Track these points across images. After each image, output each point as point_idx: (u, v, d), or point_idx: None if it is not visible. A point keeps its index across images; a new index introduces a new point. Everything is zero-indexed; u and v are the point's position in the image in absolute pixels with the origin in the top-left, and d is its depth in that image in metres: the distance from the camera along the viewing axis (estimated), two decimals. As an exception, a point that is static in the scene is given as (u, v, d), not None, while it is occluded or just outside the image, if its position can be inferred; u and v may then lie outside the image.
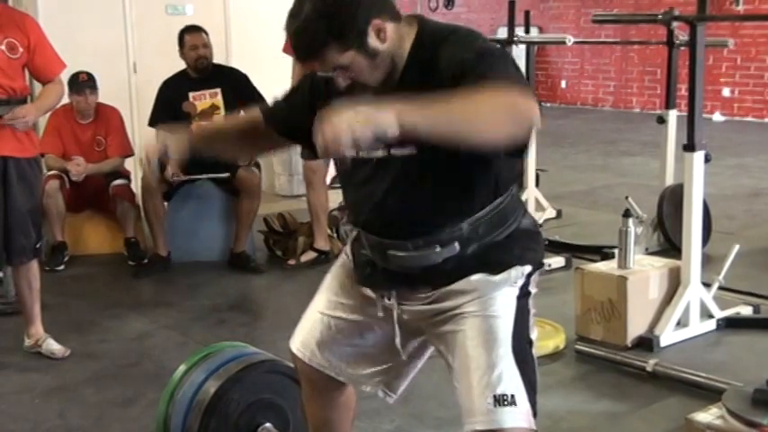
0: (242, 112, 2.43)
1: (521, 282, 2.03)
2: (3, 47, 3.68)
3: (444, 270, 2.02)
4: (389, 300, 2.12)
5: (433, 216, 2.00)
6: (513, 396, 1.91)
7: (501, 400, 1.90)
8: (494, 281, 2.00)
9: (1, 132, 3.71)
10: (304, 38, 1.90)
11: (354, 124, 1.62)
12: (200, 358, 2.71)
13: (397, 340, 2.15)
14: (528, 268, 2.04)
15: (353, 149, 1.65)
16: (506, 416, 1.89)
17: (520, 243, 2.05)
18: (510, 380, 1.92)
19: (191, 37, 5.45)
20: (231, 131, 2.39)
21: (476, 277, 2.01)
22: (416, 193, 1.98)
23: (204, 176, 5.40)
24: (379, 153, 1.98)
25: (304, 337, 2.26)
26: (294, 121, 2.13)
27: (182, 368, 2.70)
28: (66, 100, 5.04)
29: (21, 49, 3.72)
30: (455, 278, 2.03)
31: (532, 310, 2.06)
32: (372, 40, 1.89)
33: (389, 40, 1.91)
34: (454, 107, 1.69)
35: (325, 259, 5.24)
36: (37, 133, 4.03)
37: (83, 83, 5.43)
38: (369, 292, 2.18)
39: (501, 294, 2.00)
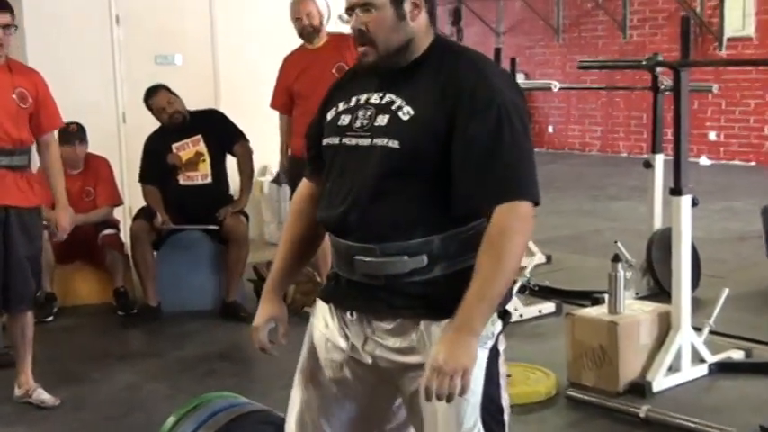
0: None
1: (490, 343, 1.99)
2: (14, 96, 3.72)
3: (410, 293, 1.98)
4: (352, 316, 2.07)
5: (406, 220, 1.97)
6: None
7: None
8: None
9: (4, 182, 3.74)
10: None
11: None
12: (189, 410, 2.69)
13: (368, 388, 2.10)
14: (498, 326, 2.01)
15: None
16: None
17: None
18: None
19: (154, 101, 5.48)
20: (296, 248, 2.29)
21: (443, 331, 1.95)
22: (393, 190, 1.96)
23: (193, 227, 5.40)
24: (364, 141, 1.99)
25: (292, 426, 2.20)
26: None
27: (171, 420, 2.67)
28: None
29: (30, 100, 3.78)
30: (420, 306, 1.98)
31: (503, 371, 2.03)
32: (407, 5, 1.98)
33: (417, 21, 2.00)
34: (490, 288, 1.89)
35: None
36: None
37: (72, 134, 5.44)
38: (337, 337, 2.11)
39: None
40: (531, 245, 6.33)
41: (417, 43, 2.02)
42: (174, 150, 5.50)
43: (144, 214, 5.49)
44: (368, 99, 2.03)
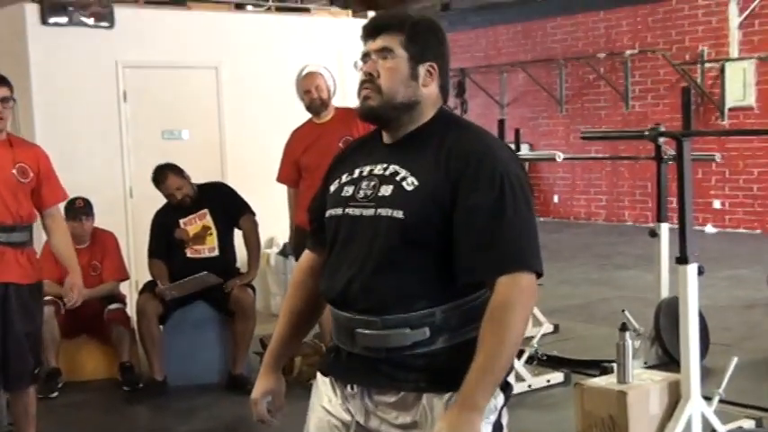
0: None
1: (493, 417, 1.97)
2: (14, 171, 3.75)
3: (412, 365, 1.97)
4: (353, 390, 2.05)
5: (408, 292, 1.96)
6: None
7: None
8: None
9: (3, 258, 3.74)
10: (392, 15, 2.09)
11: None
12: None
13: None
14: (500, 399, 2.00)
15: None
16: None
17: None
18: None
19: (163, 186, 5.54)
20: (295, 319, 2.29)
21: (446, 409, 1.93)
22: (397, 261, 1.96)
23: (193, 278, 5.38)
24: (368, 212, 1.99)
25: None
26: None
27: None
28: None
29: (31, 174, 3.81)
30: (422, 380, 1.97)
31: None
32: (422, 69, 2.02)
33: (428, 89, 2.04)
34: (492, 364, 1.88)
35: None
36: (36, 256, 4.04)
37: (79, 209, 5.49)
38: (340, 411, 2.09)
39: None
40: (539, 314, 6.31)
41: (423, 110, 2.04)
42: (182, 225, 5.54)
43: (150, 288, 5.50)
44: (371, 170, 2.04)
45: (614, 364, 4.16)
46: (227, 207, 5.62)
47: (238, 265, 5.73)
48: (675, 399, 3.99)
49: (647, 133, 5.05)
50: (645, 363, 5.08)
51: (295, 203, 5.37)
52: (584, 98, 13.89)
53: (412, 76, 2.01)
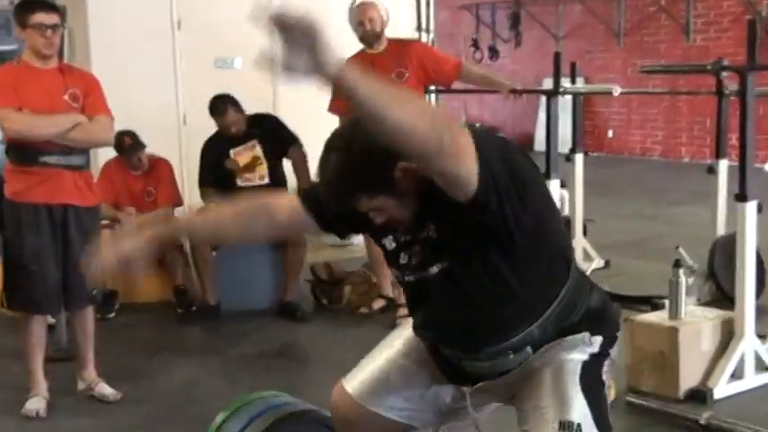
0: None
1: (590, 349, 2.02)
2: (66, 97, 3.79)
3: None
4: (466, 387, 2.16)
5: (495, 329, 2.00)
6: (579, 425, 1.91)
7: (566, 426, 1.91)
8: (563, 342, 2.01)
9: (62, 181, 3.80)
10: (332, 192, 1.92)
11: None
12: (235, 409, 2.70)
13: (472, 415, 2.19)
14: (598, 338, 2.03)
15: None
16: None
17: (589, 323, 2.04)
18: (577, 412, 1.93)
19: (220, 120, 5.55)
20: (234, 218, 2.27)
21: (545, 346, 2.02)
22: (472, 308, 1.98)
23: None
24: (416, 276, 2.00)
25: (364, 379, 2.25)
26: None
27: (219, 418, 2.69)
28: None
29: (81, 100, 3.83)
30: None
31: (605, 369, 2.05)
32: (400, 183, 1.84)
33: (416, 179, 1.83)
34: (391, 92, 1.64)
35: (392, 306, 5.22)
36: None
37: (129, 147, 5.53)
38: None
39: (571, 352, 2.01)
40: (590, 249, 6.28)
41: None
42: (232, 155, 5.59)
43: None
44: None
45: (666, 301, 4.13)
46: (277, 139, 5.65)
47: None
48: (728, 336, 3.96)
49: (709, 67, 4.93)
50: (698, 300, 5.04)
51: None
52: (643, 31, 13.55)
53: (401, 194, 1.89)
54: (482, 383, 2.12)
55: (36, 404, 3.85)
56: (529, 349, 2.00)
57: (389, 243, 2.05)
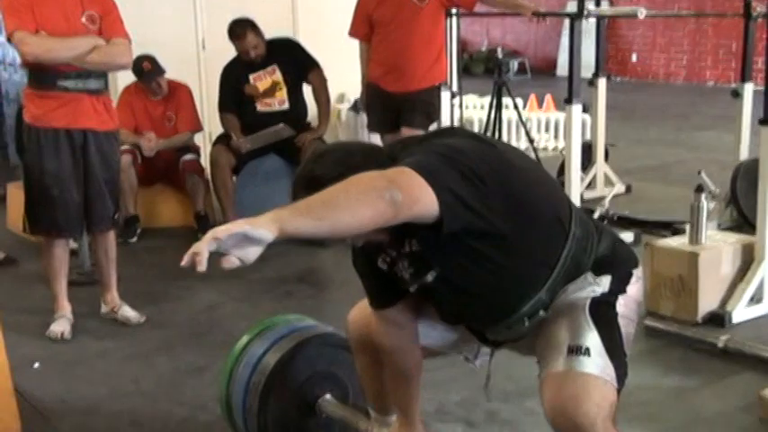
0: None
1: (599, 288, 2.04)
2: (83, 19, 3.76)
3: None
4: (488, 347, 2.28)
5: (504, 308, 2.05)
6: (588, 348, 1.94)
7: (575, 350, 1.94)
8: (569, 287, 2.04)
9: (81, 105, 3.80)
10: None
11: (217, 232, 1.64)
12: (259, 332, 2.74)
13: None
14: (606, 278, 2.05)
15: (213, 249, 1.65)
16: (576, 362, 1.92)
17: (597, 269, 2.06)
18: (588, 339, 1.95)
19: (239, 43, 5.48)
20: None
21: None
22: (476, 299, 2.05)
23: (266, 132, 5.46)
24: (416, 286, 2.06)
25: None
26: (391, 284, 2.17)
27: (243, 340, 2.73)
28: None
29: (99, 22, 3.80)
30: None
31: (622, 303, 2.06)
32: None
33: None
34: (328, 202, 1.69)
35: None
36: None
37: (149, 73, 5.51)
38: None
39: (579, 293, 2.03)
40: (611, 174, 6.24)
41: None
42: (252, 80, 5.55)
43: (223, 140, 5.58)
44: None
45: (687, 226, 4.12)
46: (296, 63, 5.60)
47: (309, 119, 5.75)
48: (748, 261, 3.96)
49: (737, -13, 4.82)
50: (719, 225, 5.01)
51: (367, 58, 5.30)
52: (669, -49, 13.24)
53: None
54: (504, 345, 2.23)
55: (61, 326, 3.92)
56: (542, 312, 2.04)
57: (382, 264, 2.12)
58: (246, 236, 1.63)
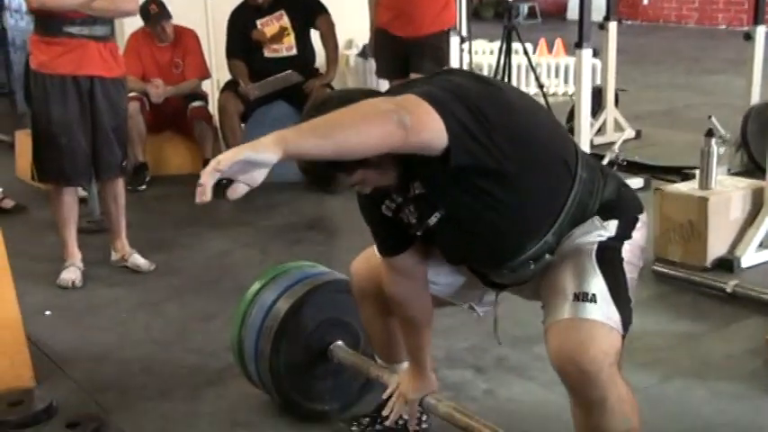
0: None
1: (606, 232, 2.03)
2: None
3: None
4: (493, 292, 2.28)
5: (509, 250, 2.04)
6: (594, 295, 1.93)
7: (581, 297, 1.93)
8: (575, 231, 2.03)
9: (87, 52, 3.78)
10: (312, 178, 2.00)
11: (220, 160, 1.58)
12: (271, 278, 2.75)
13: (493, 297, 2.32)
14: (613, 222, 2.04)
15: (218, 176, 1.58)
16: (582, 308, 1.92)
17: (603, 213, 2.04)
18: (593, 285, 1.95)
19: None
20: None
21: None
22: (480, 239, 2.03)
23: (275, 78, 5.44)
24: (422, 231, 2.06)
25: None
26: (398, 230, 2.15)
27: (255, 286, 2.75)
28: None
29: None
30: None
31: (628, 249, 2.05)
32: (374, 156, 1.79)
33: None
34: (333, 122, 1.66)
35: None
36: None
37: (155, 15, 5.46)
38: None
39: (585, 237, 2.02)
40: (621, 119, 6.20)
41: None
42: (259, 26, 5.51)
43: (231, 87, 5.55)
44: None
45: (696, 171, 4.10)
46: (304, 8, 5.56)
47: (317, 66, 5.71)
48: (758, 206, 3.95)
49: (750, -73, 4.73)
50: (729, 170, 4.99)
51: (375, 3, 5.25)
52: None
53: (377, 164, 1.91)
54: (509, 289, 2.23)
55: (71, 274, 3.94)
56: (548, 257, 2.04)
57: (387, 211, 2.10)
58: (249, 161, 1.59)
